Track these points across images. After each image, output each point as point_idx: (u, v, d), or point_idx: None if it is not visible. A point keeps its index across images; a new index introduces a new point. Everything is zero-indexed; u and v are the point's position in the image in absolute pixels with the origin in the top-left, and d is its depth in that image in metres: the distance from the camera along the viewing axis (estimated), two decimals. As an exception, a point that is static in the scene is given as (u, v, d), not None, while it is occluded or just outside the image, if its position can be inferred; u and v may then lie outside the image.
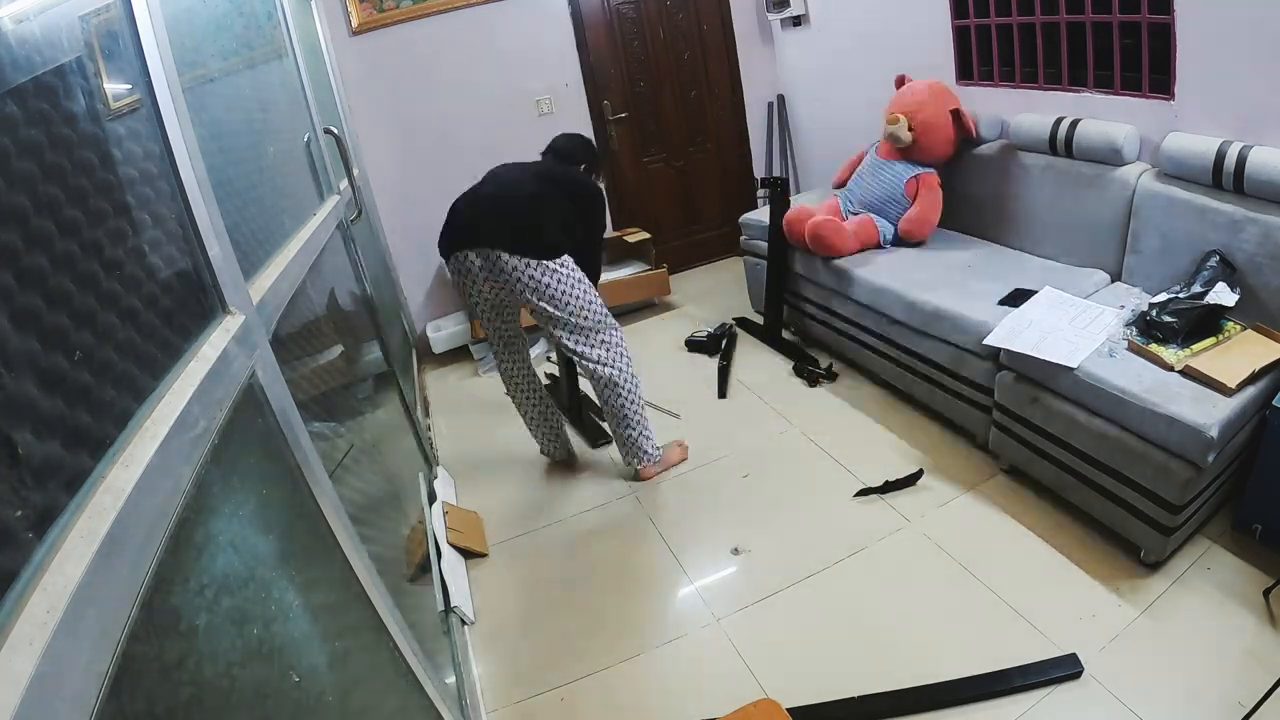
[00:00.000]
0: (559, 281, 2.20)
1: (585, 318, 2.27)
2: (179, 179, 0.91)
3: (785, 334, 3.32)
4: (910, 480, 2.29)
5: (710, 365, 3.22)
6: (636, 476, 2.54)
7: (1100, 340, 1.96)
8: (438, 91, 3.60)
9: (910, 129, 2.78)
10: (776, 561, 2.09)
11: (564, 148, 2.47)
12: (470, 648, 1.95)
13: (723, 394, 3.00)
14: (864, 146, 3.15)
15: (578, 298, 2.24)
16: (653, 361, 3.36)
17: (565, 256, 2.23)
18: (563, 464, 2.71)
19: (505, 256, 2.16)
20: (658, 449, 2.53)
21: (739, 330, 3.48)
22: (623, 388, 2.37)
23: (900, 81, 2.97)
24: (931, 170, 2.84)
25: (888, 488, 2.28)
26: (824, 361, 3.06)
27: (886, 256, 2.79)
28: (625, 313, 3.81)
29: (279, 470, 1.04)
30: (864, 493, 2.28)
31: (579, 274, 2.26)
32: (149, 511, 0.64)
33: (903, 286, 2.52)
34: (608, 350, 2.33)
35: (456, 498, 2.58)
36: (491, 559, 2.30)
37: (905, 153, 2.86)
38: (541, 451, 2.71)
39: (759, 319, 3.48)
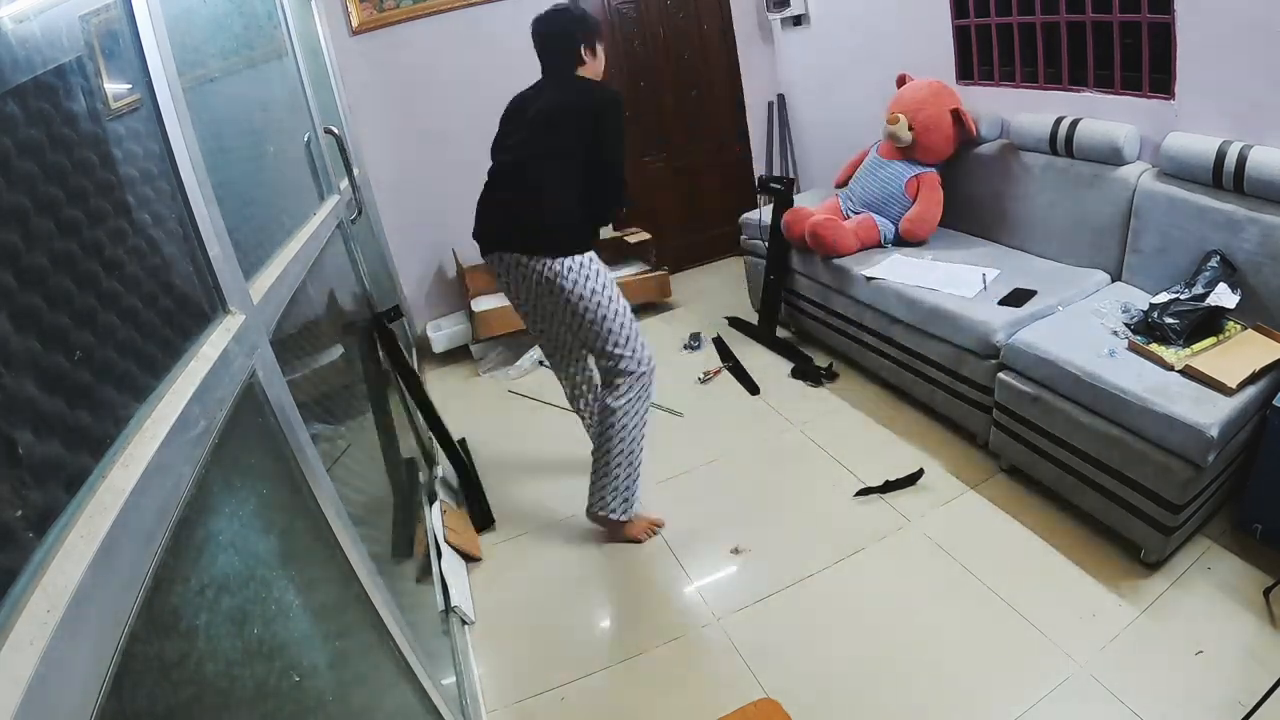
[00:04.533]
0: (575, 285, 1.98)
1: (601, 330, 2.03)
2: (179, 179, 0.91)
3: (783, 333, 3.32)
4: (910, 480, 2.29)
5: (711, 366, 3.23)
6: (597, 520, 2.22)
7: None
8: (438, 91, 3.60)
9: (910, 128, 2.78)
10: (776, 561, 2.09)
11: (553, 44, 2.04)
12: (470, 648, 1.95)
13: (754, 390, 2.97)
14: (865, 146, 3.15)
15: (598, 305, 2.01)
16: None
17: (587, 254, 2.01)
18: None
19: (522, 258, 2.00)
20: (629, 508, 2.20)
21: (736, 330, 3.48)
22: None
23: (901, 81, 2.97)
24: (932, 170, 2.85)
25: (888, 488, 2.28)
26: (824, 361, 3.06)
27: (887, 255, 2.79)
28: (625, 313, 3.80)
29: (279, 470, 1.04)
30: (864, 493, 2.28)
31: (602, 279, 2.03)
32: (149, 511, 0.64)
33: (903, 285, 2.53)
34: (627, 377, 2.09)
35: (456, 498, 2.58)
36: (491, 559, 2.30)
37: (906, 152, 2.86)
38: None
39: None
